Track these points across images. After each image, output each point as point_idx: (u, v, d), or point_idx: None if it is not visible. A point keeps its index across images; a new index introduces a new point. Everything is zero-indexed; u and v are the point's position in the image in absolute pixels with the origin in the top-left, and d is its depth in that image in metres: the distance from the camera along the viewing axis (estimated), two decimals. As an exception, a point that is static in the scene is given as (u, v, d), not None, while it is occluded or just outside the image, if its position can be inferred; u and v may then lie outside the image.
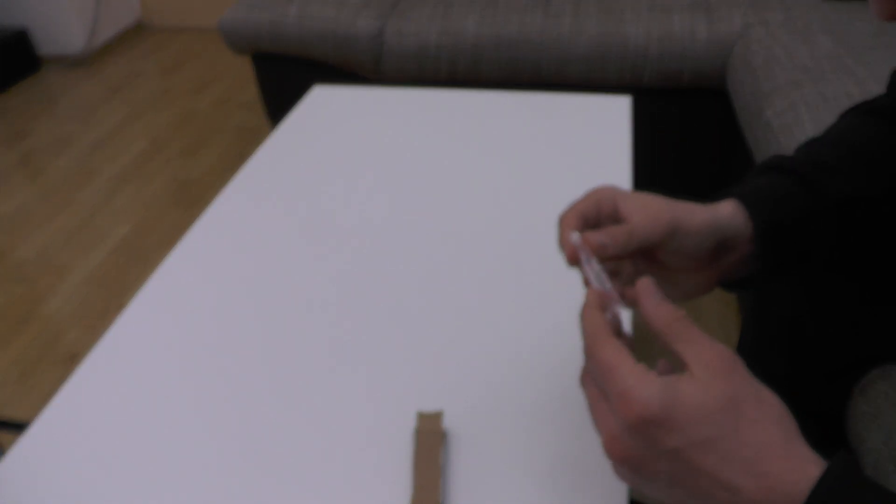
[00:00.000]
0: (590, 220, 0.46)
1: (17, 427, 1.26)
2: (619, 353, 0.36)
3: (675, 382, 0.35)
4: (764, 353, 0.78)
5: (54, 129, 2.58)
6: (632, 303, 0.42)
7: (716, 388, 0.34)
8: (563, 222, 0.45)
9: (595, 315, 0.39)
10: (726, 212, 0.48)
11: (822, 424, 0.73)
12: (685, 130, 1.72)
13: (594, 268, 0.43)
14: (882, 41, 1.40)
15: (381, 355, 0.60)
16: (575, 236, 0.43)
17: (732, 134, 1.59)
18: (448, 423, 0.54)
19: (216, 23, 2.23)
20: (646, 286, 0.40)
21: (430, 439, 0.51)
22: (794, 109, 1.23)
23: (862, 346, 0.67)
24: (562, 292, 0.65)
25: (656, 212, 0.45)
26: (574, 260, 0.43)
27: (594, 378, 0.38)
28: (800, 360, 0.71)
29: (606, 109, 0.95)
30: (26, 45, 2.99)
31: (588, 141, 0.88)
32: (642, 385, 0.34)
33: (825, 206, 0.50)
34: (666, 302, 0.39)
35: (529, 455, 0.51)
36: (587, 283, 0.43)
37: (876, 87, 1.23)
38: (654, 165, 1.59)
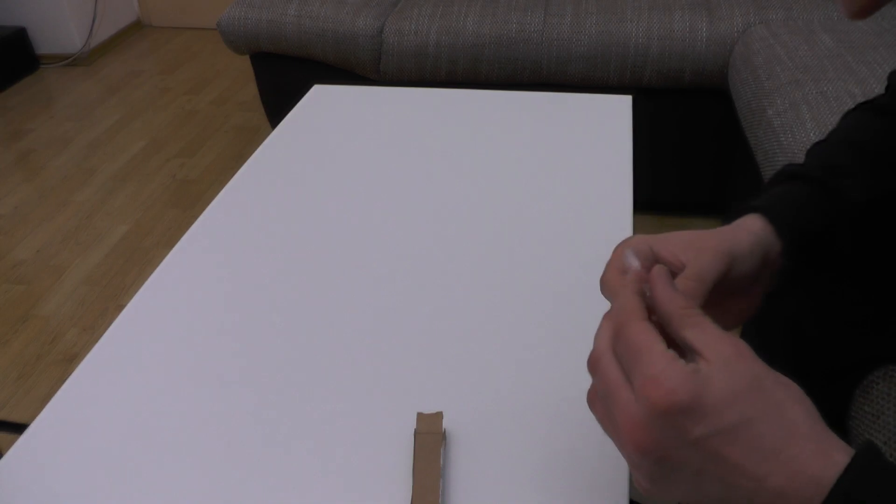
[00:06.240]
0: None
1: (15, 428, 1.25)
2: (651, 336, 0.35)
3: (703, 369, 0.34)
4: (765, 354, 0.78)
5: (52, 129, 2.58)
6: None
7: (739, 370, 0.34)
8: (609, 287, 0.43)
9: (632, 294, 0.39)
10: (757, 226, 0.48)
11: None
12: (685, 130, 1.72)
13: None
14: (884, 40, 1.40)
15: (381, 355, 0.60)
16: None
17: (733, 133, 1.58)
18: (448, 423, 0.54)
19: (215, 22, 2.22)
20: (660, 273, 0.39)
21: (430, 440, 0.51)
22: (795, 108, 1.23)
23: (863, 346, 0.67)
24: (562, 292, 0.65)
25: (706, 247, 0.44)
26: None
27: (620, 361, 0.37)
28: (801, 360, 0.71)
29: (607, 109, 0.95)
30: (25, 45, 2.99)
31: (588, 141, 0.88)
32: (673, 371, 0.34)
33: (847, 210, 0.51)
34: (679, 292, 0.39)
35: (529, 455, 0.51)
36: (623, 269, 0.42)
37: (877, 87, 1.22)
38: (654, 165, 1.59)
